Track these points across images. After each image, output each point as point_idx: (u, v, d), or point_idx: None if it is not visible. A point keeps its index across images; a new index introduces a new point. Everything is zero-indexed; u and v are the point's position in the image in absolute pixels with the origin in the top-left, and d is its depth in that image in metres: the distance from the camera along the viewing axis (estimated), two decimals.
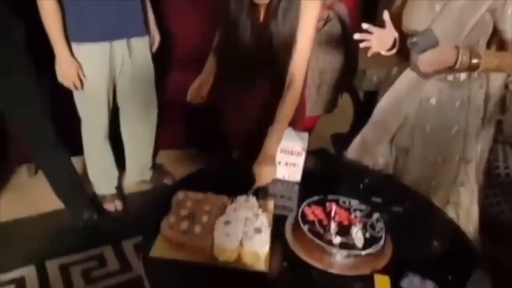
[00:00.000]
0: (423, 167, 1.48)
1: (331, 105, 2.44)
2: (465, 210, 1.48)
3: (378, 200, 1.28)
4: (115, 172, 2.20)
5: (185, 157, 2.57)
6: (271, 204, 1.23)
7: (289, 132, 1.39)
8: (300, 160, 1.36)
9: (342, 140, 2.72)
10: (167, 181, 2.36)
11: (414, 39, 1.29)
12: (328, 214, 1.12)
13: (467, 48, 1.28)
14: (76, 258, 1.84)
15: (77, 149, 2.07)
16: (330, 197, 1.19)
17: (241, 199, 1.16)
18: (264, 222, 1.08)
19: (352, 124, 2.82)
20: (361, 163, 1.60)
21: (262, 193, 1.28)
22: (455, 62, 1.27)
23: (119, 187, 2.27)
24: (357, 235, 1.05)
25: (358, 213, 1.14)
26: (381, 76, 2.50)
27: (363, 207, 1.17)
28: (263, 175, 1.28)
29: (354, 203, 1.18)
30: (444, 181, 1.47)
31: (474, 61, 1.26)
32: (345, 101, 2.66)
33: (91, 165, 2.13)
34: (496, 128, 1.59)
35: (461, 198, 1.47)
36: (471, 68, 1.29)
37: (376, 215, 1.14)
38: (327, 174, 1.50)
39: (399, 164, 1.56)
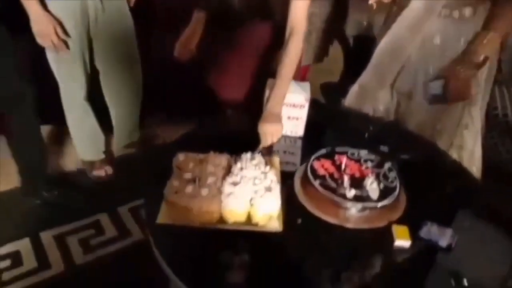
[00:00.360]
0: (427, 111, 1.43)
1: (322, 54, 2.36)
2: (468, 153, 1.45)
3: (385, 149, 1.24)
4: (101, 136, 2.10)
5: (171, 120, 2.46)
6: (277, 160, 1.18)
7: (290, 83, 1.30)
8: (303, 113, 1.29)
9: (333, 89, 2.66)
10: (157, 142, 2.27)
11: (428, 96, 1.38)
12: (338, 167, 1.08)
13: (461, 61, 1.30)
14: (72, 227, 1.78)
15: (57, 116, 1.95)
16: (338, 149, 1.15)
17: (245, 157, 1.09)
18: (273, 179, 1.02)
19: (342, 72, 2.75)
20: (361, 111, 1.55)
21: (265, 150, 1.22)
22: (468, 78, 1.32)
23: (108, 152, 2.17)
24: (372, 186, 1.01)
25: (369, 164, 1.10)
26: (371, 20, 2.40)
27: (372, 157, 1.13)
28: (269, 134, 1.20)
29: (363, 153, 1.14)
30: (448, 124, 1.43)
31: (479, 59, 1.29)
32: (332, 49, 2.55)
33: (74, 130, 2.02)
34: (496, 68, 1.54)
35: (465, 140, 1.44)
36: (484, 61, 1.31)
37: (387, 165, 1.10)
38: (328, 125, 1.45)
39: (401, 109, 1.51)
